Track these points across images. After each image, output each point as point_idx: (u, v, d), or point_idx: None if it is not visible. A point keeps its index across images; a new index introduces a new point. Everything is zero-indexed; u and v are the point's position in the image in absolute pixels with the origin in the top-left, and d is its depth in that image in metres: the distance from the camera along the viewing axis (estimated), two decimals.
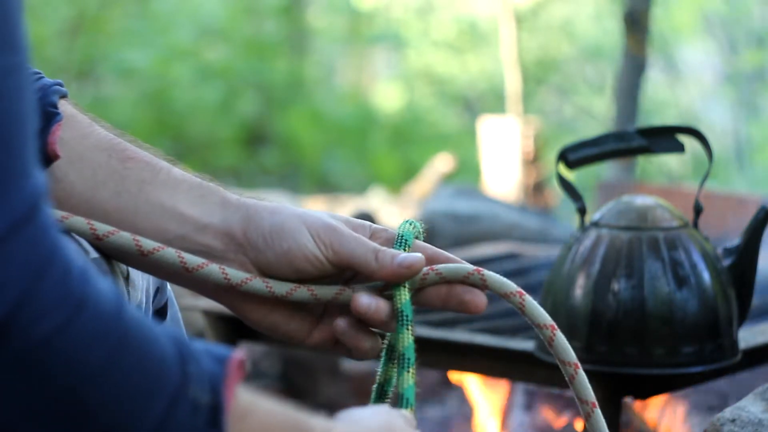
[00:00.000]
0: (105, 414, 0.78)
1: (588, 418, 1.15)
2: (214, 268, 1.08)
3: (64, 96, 1.12)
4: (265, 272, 1.10)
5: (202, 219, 1.10)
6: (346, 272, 1.11)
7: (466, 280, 1.12)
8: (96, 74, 8.70)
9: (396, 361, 1.10)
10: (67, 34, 8.27)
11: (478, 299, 1.12)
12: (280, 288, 1.10)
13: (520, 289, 1.12)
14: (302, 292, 1.10)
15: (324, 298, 1.10)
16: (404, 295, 1.10)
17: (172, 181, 1.11)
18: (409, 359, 1.09)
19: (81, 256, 0.80)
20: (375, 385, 1.14)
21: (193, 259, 1.08)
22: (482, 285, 1.12)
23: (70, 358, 0.76)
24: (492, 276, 1.12)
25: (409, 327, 1.10)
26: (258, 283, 1.09)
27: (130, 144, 1.12)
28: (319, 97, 9.36)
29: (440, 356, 1.89)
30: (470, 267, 1.12)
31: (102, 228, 1.06)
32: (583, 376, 1.14)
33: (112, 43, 8.43)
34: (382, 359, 1.14)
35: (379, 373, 1.13)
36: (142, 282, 1.14)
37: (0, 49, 0.76)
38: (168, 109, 8.41)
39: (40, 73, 1.12)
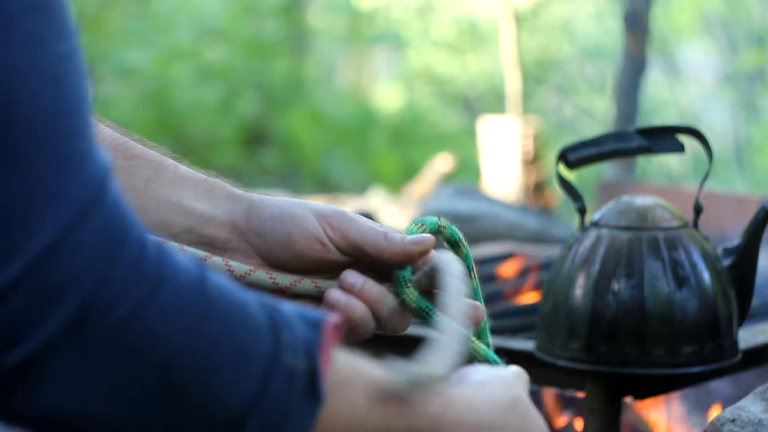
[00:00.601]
0: (197, 387, 0.77)
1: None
2: (217, 261, 1.08)
3: None
4: (268, 259, 1.10)
5: (208, 212, 1.11)
6: (350, 262, 1.11)
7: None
8: (96, 74, 8.70)
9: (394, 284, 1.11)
10: None
11: None
12: (284, 280, 1.10)
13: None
14: (306, 283, 1.10)
15: (327, 289, 1.10)
16: (412, 294, 1.10)
17: (177, 178, 1.12)
18: (406, 278, 1.09)
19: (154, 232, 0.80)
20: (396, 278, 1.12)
21: (195, 253, 1.08)
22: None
23: (154, 336, 0.76)
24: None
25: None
26: (261, 275, 1.09)
27: (136, 143, 1.13)
28: (319, 97, 9.35)
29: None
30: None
31: None
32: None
33: (112, 43, 8.43)
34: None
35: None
36: None
37: (54, 36, 0.77)
38: (168, 109, 8.41)
39: None
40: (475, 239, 3.31)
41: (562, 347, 1.68)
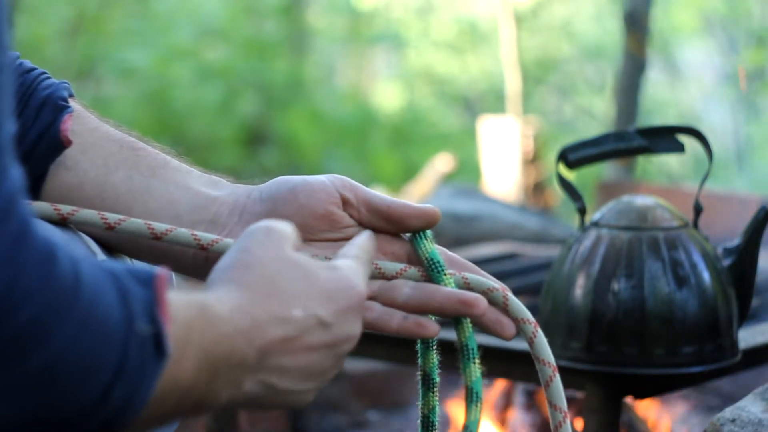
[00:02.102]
0: (71, 379, 0.81)
1: (557, 429, 1.12)
2: (228, 242, 1.08)
3: (71, 95, 1.14)
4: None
5: (215, 193, 1.13)
6: (348, 231, 1.12)
7: (488, 294, 1.10)
8: (96, 74, 8.69)
9: (460, 352, 1.11)
10: (67, 34, 8.27)
11: (507, 325, 1.13)
12: None
13: (534, 321, 1.13)
14: (318, 259, 1.09)
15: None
16: (428, 245, 1.12)
17: (183, 168, 1.15)
18: (473, 349, 1.09)
19: (48, 233, 0.82)
20: (419, 419, 1.13)
21: (206, 236, 1.09)
22: (502, 304, 1.11)
23: (41, 341, 0.79)
24: (513, 300, 1.11)
25: (467, 319, 1.10)
26: None
27: (141, 141, 1.16)
28: (319, 97, 9.35)
29: (440, 356, 1.88)
30: (496, 283, 1.12)
31: (112, 217, 1.08)
32: (558, 382, 1.13)
33: (112, 43, 8.42)
34: (420, 390, 1.14)
35: (420, 404, 1.13)
36: None
37: None
38: (168, 109, 8.41)
39: (46, 73, 1.15)
40: (475, 239, 3.31)
41: (562, 347, 1.68)
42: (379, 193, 1.13)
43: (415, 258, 1.13)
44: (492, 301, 1.11)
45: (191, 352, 0.88)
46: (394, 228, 1.13)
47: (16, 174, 0.80)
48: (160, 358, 0.85)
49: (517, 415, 2.39)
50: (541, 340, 1.10)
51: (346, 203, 1.12)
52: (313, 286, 0.96)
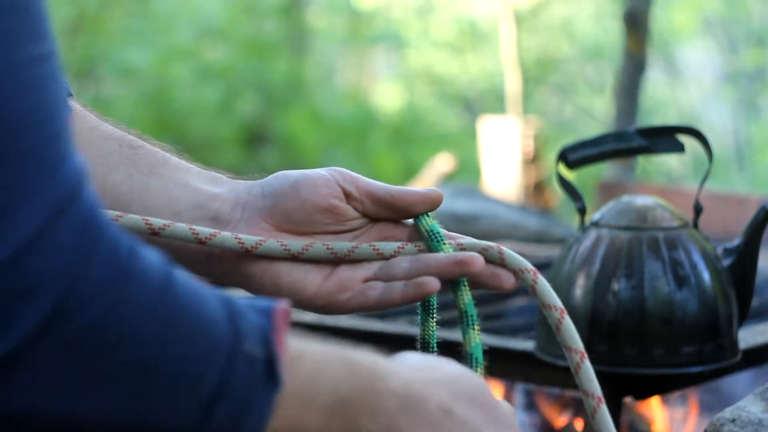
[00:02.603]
0: (166, 380, 0.79)
1: (593, 414, 1.12)
2: (227, 235, 1.08)
3: (70, 95, 1.14)
4: (272, 218, 1.11)
5: (215, 190, 1.12)
6: (352, 223, 1.12)
7: (483, 253, 1.11)
8: (96, 74, 8.69)
9: (459, 319, 1.11)
10: (67, 34, 8.26)
11: (504, 276, 1.12)
12: (295, 245, 1.09)
13: (534, 268, 1.12)
14: (318, 247, 1.10)
15: (341, 253, 1.10)
16: (428, 221, 1.13)
17: (183, 165, 1.14)
18: (471, 316, 1.09)
19: (125, 231, 0.81)
20: (419, 343, 1.13)
21: (204, 230, 1.08)
22: (499, 260, 1.11)
23: (126, 334, 0.77)
24: (509, 252, 1.11)
25: (465, 286, 1.10)
26: (272, 243, 1.09)
27: (140, 139, 1.15)
28: (319, 97, 9.35)
29: (440, 356, 1.88)
30: (491, 243, 1.12)
31: (110, 213, 1.07)
32: (588, 367, 1.12)
33: (112, 43, 8.42)
34: (420, 316, 1.14)
35: (420, 330, 1.13)
36: None
37: (31, 38, 0.77)
38: (168, 109, 8.41)
39: None
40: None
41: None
42: (380, 183, 1.12)
43: (417, 239, 1.13)
44: (488, 259, 1.11)
45: (321, 397, 0.86)
46: (398, 216, 1.14)
47: (77, 161, 0.78)
48: (273, 386, 0.83)
49: (517, 416, 2.39)
50: (544, 285, 1.10)
51: (348, 196, 1.11)
52: (482, 398, 0.97)
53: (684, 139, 1.77)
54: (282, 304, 0.86)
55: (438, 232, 1.11)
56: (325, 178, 1.11)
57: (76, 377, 0.76)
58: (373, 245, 1.10)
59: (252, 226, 1.11)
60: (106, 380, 0.77)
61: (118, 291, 0.77)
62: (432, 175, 6.07)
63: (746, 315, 1.72)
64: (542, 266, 2.39)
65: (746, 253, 1.70)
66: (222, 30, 8.98)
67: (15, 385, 0.75)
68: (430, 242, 1.11)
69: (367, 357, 0.91)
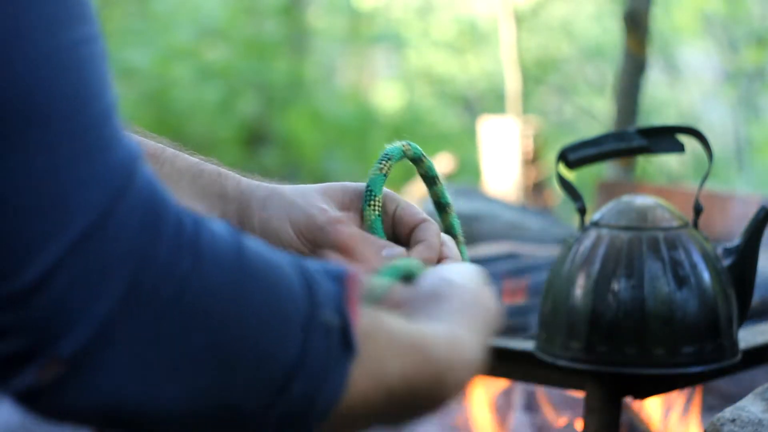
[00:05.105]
0: (247, 355, 0.77)
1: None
2: None
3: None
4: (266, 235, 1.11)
5: (204, 212, 1.11)
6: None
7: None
8: None
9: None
10: None
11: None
12: None
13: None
14: None
15: None
16: (372, 213, 1.13)
17: (175, 173, 1.12)
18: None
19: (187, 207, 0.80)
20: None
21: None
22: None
23: (201, 310, 0.75)
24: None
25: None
26: None
27: (135, 135, 1.12)
28: (319, 97, 9.35)
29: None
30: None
31: None
32: None
33: (112, 43, 8.41)
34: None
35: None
36: None
37: (74, 20, 0.76)
38: (168, 109, 8.41)
39: None
40: (475, 239, 3.31)
41: (562, 347, 1.68)
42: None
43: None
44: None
45: (387, 378, 0.84)
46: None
47: (129, 141, 0.77)
48: (349, 354, 0.81)
49: (517, 415, 2.39)
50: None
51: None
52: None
53: (684, 139, 1.77)
54: (353, 270, 0.84)
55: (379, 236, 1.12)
56: (301, 249, 1.11)
57: (155, 362, 0.74)
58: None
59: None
60: (186, 363, 0.75)
61: (189, 268, 0.75)
62: None
63: (746, 315, 1.72)
64: (542, 266, 2.40)
65: (746, 253, 1.70)
66: (222, 30, 8.98)
67: (95, 375, 0.73)
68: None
69: (441, 340, 0.88)
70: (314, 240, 1.10)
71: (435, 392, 0.87)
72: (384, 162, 1.16)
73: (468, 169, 7.30)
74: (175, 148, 1.16)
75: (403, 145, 1.19)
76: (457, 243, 1.18)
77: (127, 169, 0.75)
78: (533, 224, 3.54)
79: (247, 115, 8.87)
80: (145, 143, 1.13)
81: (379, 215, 1.13)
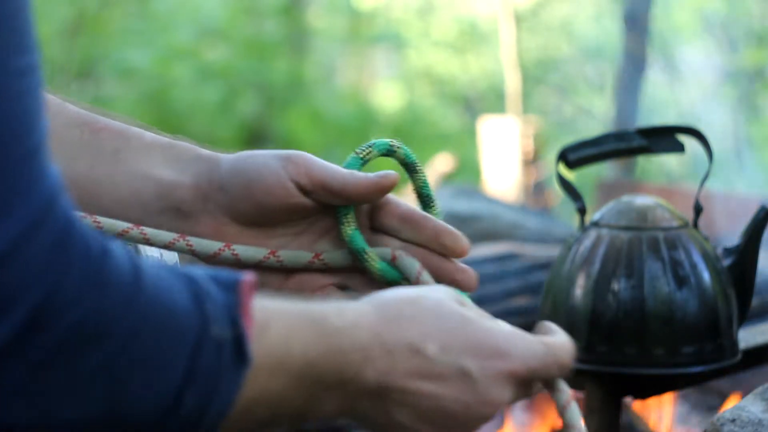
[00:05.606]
0: (138, 374, 0.79)
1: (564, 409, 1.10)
2: (181, 246, 1.08)
3: None
4: (233, 214, 1.09)
5: (174, 178, 1.10)
6: (313, 209, 1.10)
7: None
8: (96, 74, 8.69)
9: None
10: (67, 34, 8.27)
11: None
12: (251, 257, 1.08)
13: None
14: (271, 261, 1.09)
15: (249, 261, 1.09)
16: (349, 229, 1.10)
17: (144, 145, 1.12)
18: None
19: (98, 234, 0.81)
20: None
21: (160, 237, 1.08)
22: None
23: (99, 337, 0.78)
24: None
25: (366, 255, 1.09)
26: (227, 254, 1.08)
27: (100, 116, 1.13)
28: (319, 97, 9.35)
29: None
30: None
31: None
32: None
33: (112, 43, 8.42)
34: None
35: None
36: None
37: (12, 51, 0.77)
38: (168, 109, 8.41)
39: None
40: (475, 239, 3.31)
41: None
42: (333, 170, 1.09)
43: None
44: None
45: (290, 362, 0.86)
46: (355, 203, 1.11)
47: (54, 172, 0.79)
48: (241, 365, 0.83)
49: (517, 416, 2.39)
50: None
51: (303, 190, 1.08)
52: (464, 331, 0.93)
53: (684, 139, 1.77)
54: (247, 276, 0.85)
55: (360, 248, 1.09)
56: (278, 176, 1.08)
57: (52, 384, 0.77)
58: (315, 259, 1.10)
59: (214, 221, 1.10)
60: (81, 383, 0.78)
61: (92, 298, 0.77)
62: (432, 175, 6.07)
63: (746, 315, 1.72)
64: (542, 266, 2.40)
65: (746, 253, 1.70)
66: (222, 30, 8.99)
67: None
68: (351, 248, 1.10)
69: (334, 312, 0.89)
70: (306, 168, 1.08)
71: (338, 363, 0.88)
72: (365, 148, 1.14)
73: (468, 169, 7.30)
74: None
75: (392, 142, 1.15)
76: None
77: (46, 202, 0.77)
78: (533, 224, 3.54)
79: (247, 115, 8.87)
80: (110, 123, 1.12)
81: (356, 228, 1.11)
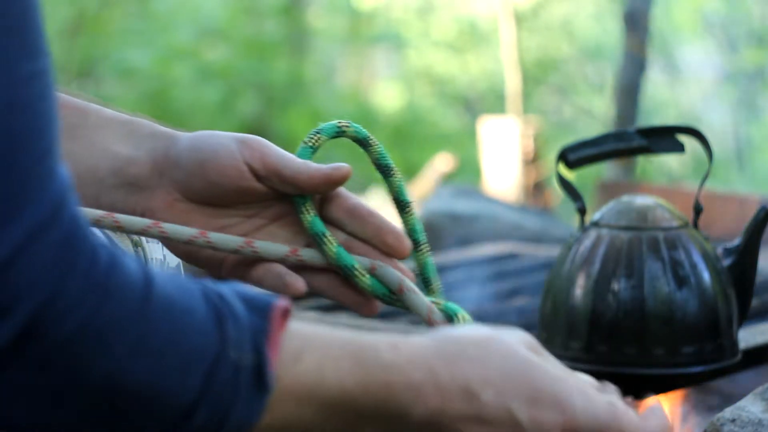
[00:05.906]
0: (142, 395, 0.78)
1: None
2: (154, 232, 1.07)
3: None
4: (186, 193, 1.09)
5: (130, 153, 1.10)
6: (266, 195, 1.09)
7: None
8: (96, 74, 8.69)
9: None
10: (67, 34, 8.27)
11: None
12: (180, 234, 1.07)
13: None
14: (246, 251, 1.07)
15: (223, 249, 1.07)
16: (308, 216, 1.09)
17: (102, 121, 1.11)
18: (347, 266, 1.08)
19: (107, 242, 0.81)
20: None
21: (130, 221, 1.06)
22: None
23: (99, 349, 0.77)
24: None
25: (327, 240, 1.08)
26: (201, 242, 1.07)
27: (60, 93, 1.13)
28: (319, 97, 9.35)
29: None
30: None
31: None
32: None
33: (112, 43, 8.42)
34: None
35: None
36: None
37: (23, 55, 0.77)
38: (168, 109, 8.41)
39: None
40: (475, 239, 3.31)
41: (562, 347, 1.68)
42: (288, 159, 1.09)
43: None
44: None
45: (321, 391, 0.84)
46: (306, 194, 1.11)
47: (63, 174, 0.79)
48: (260, 392, 0.81)
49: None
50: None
51: (256, 175, 1.08)
52: (526, 376, 0.90)
53: (684, 139, 1.77)
54: (282, 302, 0.84)
55: (320, 232, 1.08)
56: (233, 158, 1.07)
57: (47, 392, 0.77)
58: (257, 250, 1.08)
59: (168, 196, 1.09)
60: (77, 395, 0.77)
61: (92, 306, 0.77)
62: (432, 175, 6.07)
63: (746, 315, 1.72)
64: (542, 266, 2.40)
65: (746, 253, 1.70)
66: (222, 30, 8.98)
67: None
68: (311, 233, 1.08)
69: (388, 345, 0.87)
70: (262, 153, 1.08)
71: (383, 398, 0.86)
72: (313, 136, 1.14)
73: (468, 169, 7.30)
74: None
75: (339, 122, 1.15)
76: (421, 252, 1.14)
77: (54, 205, 0.77)
78: (533, 224, 3.54)
79: (247, 115, 8.87)
80: (70, 99, 1.12)
81: (315, 215, 1.09)
